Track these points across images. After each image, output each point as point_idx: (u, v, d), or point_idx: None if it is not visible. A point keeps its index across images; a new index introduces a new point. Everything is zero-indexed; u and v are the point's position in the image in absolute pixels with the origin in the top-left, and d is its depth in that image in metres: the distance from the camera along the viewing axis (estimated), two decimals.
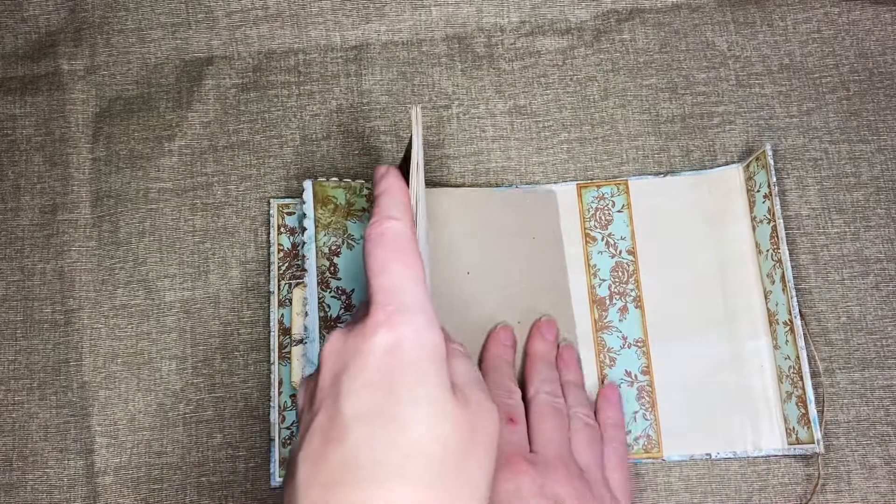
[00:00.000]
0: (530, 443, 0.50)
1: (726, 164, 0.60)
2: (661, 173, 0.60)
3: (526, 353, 0.56)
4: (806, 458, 0.55)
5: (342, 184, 0.56)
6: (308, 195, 0.56)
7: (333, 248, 0.54)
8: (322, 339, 0.53)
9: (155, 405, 0.58)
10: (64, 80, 0.64)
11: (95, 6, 0.65)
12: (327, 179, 0.57)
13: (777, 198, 0.55)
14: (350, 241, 0.55)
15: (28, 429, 0.58)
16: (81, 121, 0.63)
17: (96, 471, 0.57)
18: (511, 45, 0.64)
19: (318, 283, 0.53)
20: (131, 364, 0.58)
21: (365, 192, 0.56)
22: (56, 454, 0.57)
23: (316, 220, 0.55)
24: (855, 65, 0.62)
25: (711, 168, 0.60)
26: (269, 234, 0.60)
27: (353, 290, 0.54)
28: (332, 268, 0.54)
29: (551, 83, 0.63)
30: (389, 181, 0.42)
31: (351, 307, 0.54)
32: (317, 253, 0.54)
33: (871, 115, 0.61)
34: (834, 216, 0.59)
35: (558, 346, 0.56)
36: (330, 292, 0.54)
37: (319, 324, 0.53)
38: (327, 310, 0.53)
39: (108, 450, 0.57)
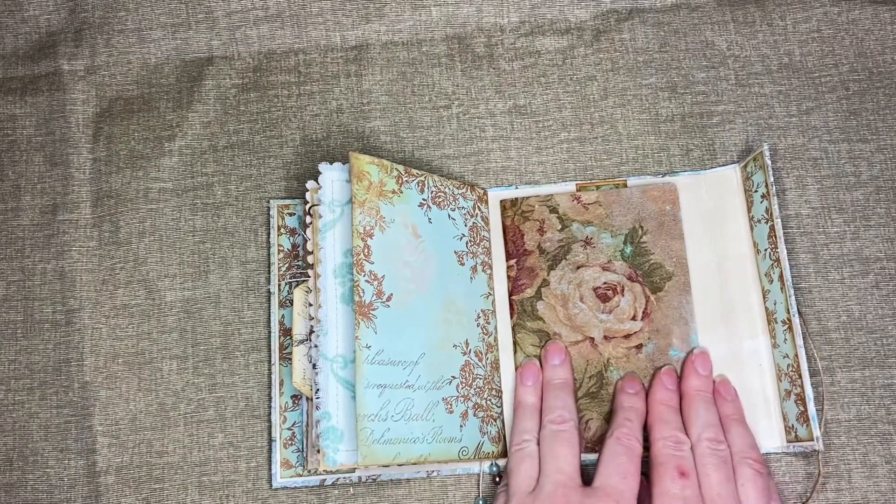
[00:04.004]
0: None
1: (726, 163, 0.60)
2: (659, 173, 0.60)
3: (682, 392, 0.55)
4: (806, 456, 0.55)
5: (375, 161, 0.54)
6: (337, 173, 0.54)
7: (367, 228, 0.53)
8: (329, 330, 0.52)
9: (156, 405, 0.58)
10: (64, 80, 0.64)
11: (95, 6, 0.65)
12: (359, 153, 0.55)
13: (775, 197, 0.55)
14: (382, 224, 0.53)
15: (28, 429, 0.58)
16: (81, 121, 0.63)
17: (98, 470, 0.57)
18: (511, 45, 0.64)
19: (353, 265, 0.51)
20: (132, 364, 0.58)
21: (395, 172, 0.55)
22: (56, 454, 0.57)
23: (353, 196, 0.53)
24: (854, 64, 0.62)
25: (711, 167, 0.60)
26: (269, 234, 0.60)
27: (384, 276, 0.53)
28: (366, 249, 0.52)
29: (551, 83, 0.63)
30: (637, 403, 0.54)
31: (382, 294, 0.52)
32: (353, 232, 0.52)
33: (871, 115, 0.61)
34: (834, 215, 0.59)
35: (714, 381, 0.56)
36: (364, 276, 0.52)
37: (354, 308, 0.51)
38: (362, 294, 0.51)
39: (110, 449, 0.57)
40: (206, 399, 0.58)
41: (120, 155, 0.63)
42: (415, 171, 0.56)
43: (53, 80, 0.64)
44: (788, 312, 0.53)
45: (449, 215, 0.57)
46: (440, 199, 0.57)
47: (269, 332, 0.58)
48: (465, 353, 0.55)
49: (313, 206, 0.55)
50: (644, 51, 0.63)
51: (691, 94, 0.62)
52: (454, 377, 0.54)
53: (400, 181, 0.55)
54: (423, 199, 0.56)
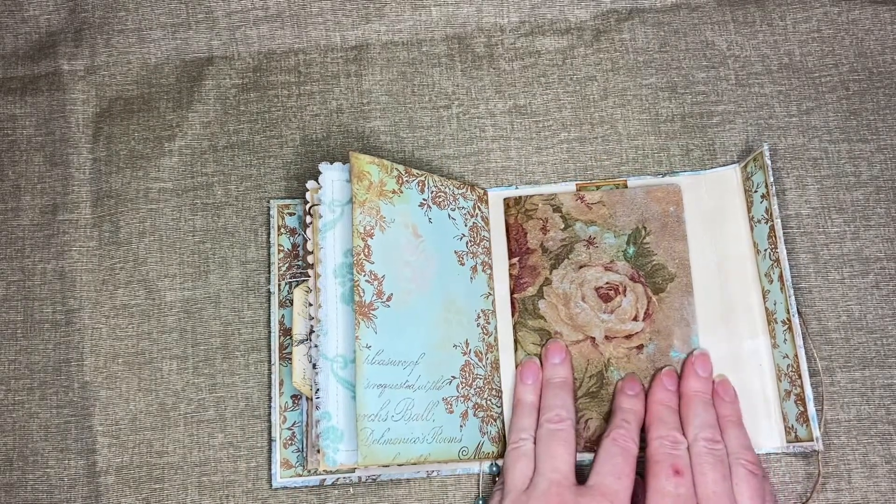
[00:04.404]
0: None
1: (726, 163, 0.60)
2: (660, 174, 0.60)
3: (681, 393, 0.55)
4: (806, 457, 0.55)
5: (375, 160, 0.54)
6: (338, 173, 0.54)
7: (368, 228, 0.53)
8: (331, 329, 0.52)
9: (156, 405, 0.58)
10: (64, 80, 0.64)
11: (95, 6, 0.65)
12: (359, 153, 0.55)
13: (775, 198, 0.55)
14: (382, 224, 0.53)
15: (28, 429, 0.58)
16: (81, 121, 0.63)
17: (98, 470, 0.57)
18: (511, 45, 0.64)
19: (353, 265, 0.51)
20: (132, 364, 0.58)
21: (395, 172, 0.55)
22: (56, 454, 0.57)
23: (353, 196, 0.53)
24: (854, 64, 0.62)
25: (711, 167, 0.60)
26: (269, 234, 0.60)
27: (384, 276, 0.52)
28: (366, 249, 0.52)
29: (551, 83, 0.63)
30: (636, 405, 0.54)
31: (382, 294, 0.52)
32: (353, 232, 0.52)
33: (871, 115, 0.61)
34: (834, 215, 0.59)
35: (713, 382, 0.56)
36: (364, 276, 0.51)
37: (354, 308, 0.51)
38: (362, 294, 0.51)
39: (110, 450, 0.57)
40: (206, 399, 0.58)
41: (120, 155, 0.63)
42: (415, 171, 0.56)
43: (53, 80, 0.64)
44: (788, 312, 0.53)
45: (449, 215, 0.57)
46: (440, 199, 0.57)
47: (269, 332, 0.58)
48: (465, 353, 0.55)
49: (313, 205, 0.55)
50: (644, 51, 0.63)
51: (691, 94, 0.62)
52: (454, 377, 0.54)
53: (400, 181, 0.55)
54: (424, 199, 0.56)
